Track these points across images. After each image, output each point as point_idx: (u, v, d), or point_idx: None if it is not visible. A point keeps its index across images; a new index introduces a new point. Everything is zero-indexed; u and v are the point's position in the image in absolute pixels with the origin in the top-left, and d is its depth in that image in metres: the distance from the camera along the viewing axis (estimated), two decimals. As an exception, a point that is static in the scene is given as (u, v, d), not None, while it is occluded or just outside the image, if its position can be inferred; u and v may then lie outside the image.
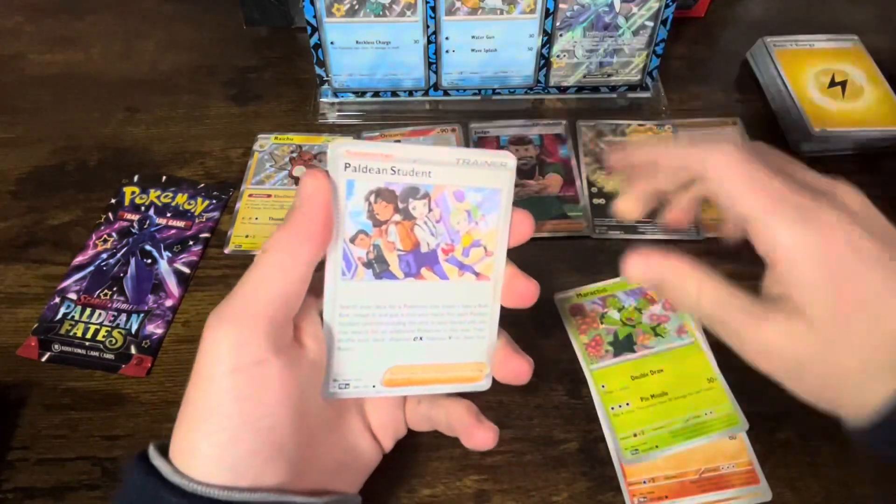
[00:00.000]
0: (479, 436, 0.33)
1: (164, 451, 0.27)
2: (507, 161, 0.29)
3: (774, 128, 0.56)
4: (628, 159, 0.34)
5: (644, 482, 0.38)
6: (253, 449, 0.26)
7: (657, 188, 0.33)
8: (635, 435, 0.39)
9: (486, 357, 0.32)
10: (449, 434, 0.34)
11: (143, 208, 0.51)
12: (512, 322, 0.44)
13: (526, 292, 0.32)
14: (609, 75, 0.57)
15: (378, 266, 0.29)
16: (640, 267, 0.31)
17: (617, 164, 0.35)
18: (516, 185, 0.51)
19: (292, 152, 0.54)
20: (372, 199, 0.28)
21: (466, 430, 0.33)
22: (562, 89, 0.57)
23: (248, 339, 0.26)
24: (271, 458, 0.27)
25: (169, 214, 0.50)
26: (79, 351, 0.43)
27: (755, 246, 0.30)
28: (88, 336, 0.44)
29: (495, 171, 0.29)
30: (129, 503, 0.27)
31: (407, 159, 0.28)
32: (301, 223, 0.27)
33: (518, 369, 0.32)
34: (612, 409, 0.40)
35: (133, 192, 0.52)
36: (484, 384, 0.33)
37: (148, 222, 0.50)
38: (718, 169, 0.29)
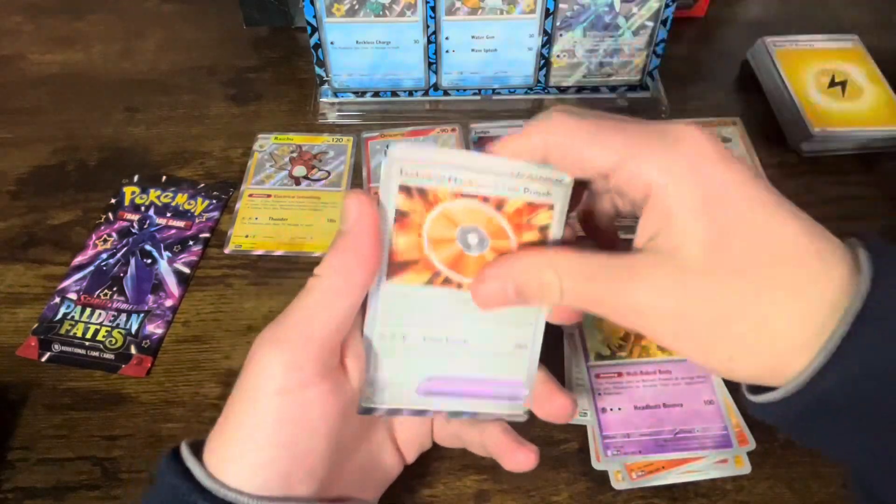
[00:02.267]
0: (521, 458, 0.32)
1: (196, 449, 0.27)
2: (563, 178, 0.28)
3: (774, 128, 0.56)
4: None
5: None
6: (287, 471, 0.27)
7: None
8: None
9: (527, 381, 0.31)
10: (481, 454, 0.34)
11: (143, 208, 0.51)
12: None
13: (561, 410, 0.31)
14: (609, 75, 0.57)
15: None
16: (493, 284, 0.28)
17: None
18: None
19: (292, 152, 0.54)
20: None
21: (506, 452, 0.32)
22: (562, 89, 0.57)
23: (299, 362, 0.26)
24: (303, 479, 0.27)
25: (169, 214, 0.50)
26: (79, 351, 0.43)
27: (621, 202, 0.27)
28: (88, 336, 0.44)
29: (551, 186, 0.28)
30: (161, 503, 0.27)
31: (461, 167, 0.27)
32: (353, 247, 0.27)
33: (562, 407, 0.31)
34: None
35: (133, 192, 0.52)
36: (522, 414, 0.32)
37: (148, 222, 0.50)
38: (559, 135, 0.26)
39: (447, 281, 0.29)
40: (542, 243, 0.29)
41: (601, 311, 0.26)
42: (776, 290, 0.24)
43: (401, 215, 0.28)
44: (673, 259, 0.24)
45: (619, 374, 0.42)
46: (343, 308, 0.27)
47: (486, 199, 0.28)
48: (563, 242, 0.29)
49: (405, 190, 0.27)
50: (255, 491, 0.26)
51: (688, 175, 0.24)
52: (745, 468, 0.39)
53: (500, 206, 0.28)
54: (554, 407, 0.31)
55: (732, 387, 0.41)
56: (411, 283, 0.29)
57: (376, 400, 0.30)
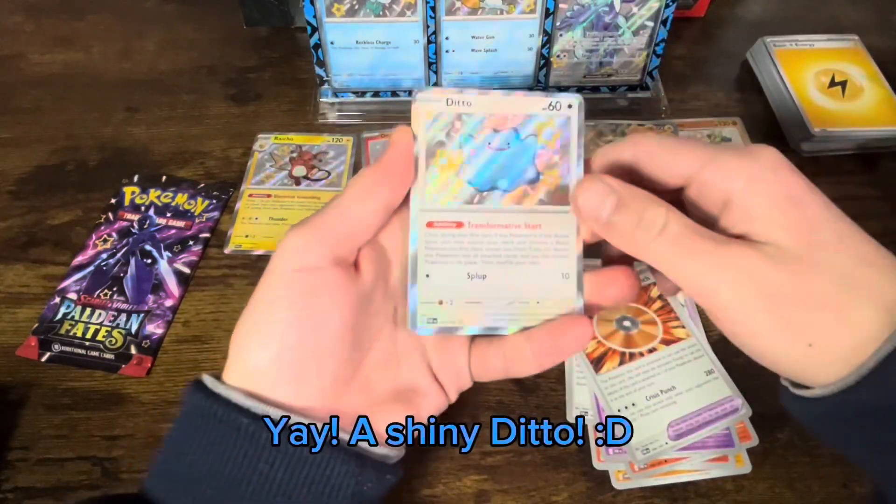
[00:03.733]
0: (580, 330, 0.29)
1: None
2: (573, 100, 0.30)
3: (774, 128, 0.56)
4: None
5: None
6: (298, 343, 0.28)
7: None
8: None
9: (575, 281, 0.30)
10: (525, 374, 0.31)
11: (143, 208, 0.51)
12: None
13: (623, 292, 0.30)
14: (609, 75, 0.57)
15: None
16: (595, 193, 0.28)
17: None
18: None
19: (292, 152, 0.54)
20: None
21: (560, 333, 0.30)
22: (562, 89, 0.57)
23: (313, 245, 0.29)
24: (314, 356, 0.28)
25: (169, 214, 0.50)
26: (79, 351, 0.43)
27: (700, 204, 0.28)
28: (88, 336, 0.44)
29: (560, 111, 0.30)
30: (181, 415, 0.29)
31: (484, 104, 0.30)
32: (385, 164, 0.29)
33: (622, 282, 0.30)
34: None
35: (133, 192, 0.52)
36: (577, 305, 0.30)
37: (148, 222, 0.50)
38: (647, 146, 0.28)
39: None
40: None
41: (682, 273, 0.26)
42: (861, 287, 0.25)
43: (439, 144, 0.30)
44: (764, 248, 0.25)
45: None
46: (361, 212, 0.29)
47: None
48: None
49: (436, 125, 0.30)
50: (268, 370, 0.28)
51: (769, 176, 0.26)
52: (746, 467, 0.39)
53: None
54: (616, 283, 0.30)
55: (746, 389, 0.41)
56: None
57: (426, 321, 0.30)
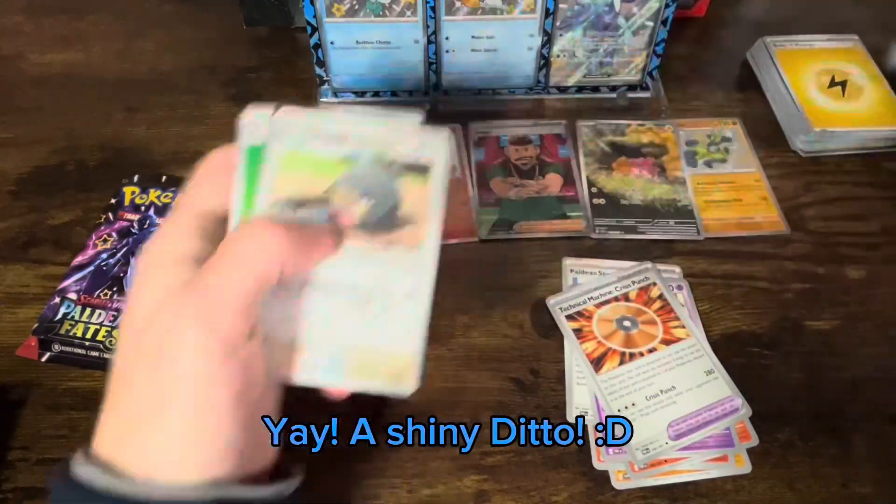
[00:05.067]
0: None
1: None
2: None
3: (774, 128, 0.56)
4: None
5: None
6: None
7: None
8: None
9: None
10: None
11: (143, 208, 0.51)
12: (512, 322, 0.45)
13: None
14: (609, 75, 0.57)
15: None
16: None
17: None
18: (517, 185, 0.51)
19: (292, 152, 0.54)
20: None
21: None
22: (562, 89, 0.57)
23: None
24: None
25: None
26: (79, 351, 0.43)
27: None
28: (88, 336, 0.44)
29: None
30: None
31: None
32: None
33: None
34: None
35: (133, 192, 0.52)
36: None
37: (148, 222, 0.50)
38: None
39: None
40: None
41: None
42: None
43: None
44: None
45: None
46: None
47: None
48: None
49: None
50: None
51: None
52: (746, 467, 0.39)
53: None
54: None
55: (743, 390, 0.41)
56: None
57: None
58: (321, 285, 0.29)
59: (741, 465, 0.39)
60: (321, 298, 0.29)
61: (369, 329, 0.29)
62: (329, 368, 0.29)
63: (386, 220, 0.29)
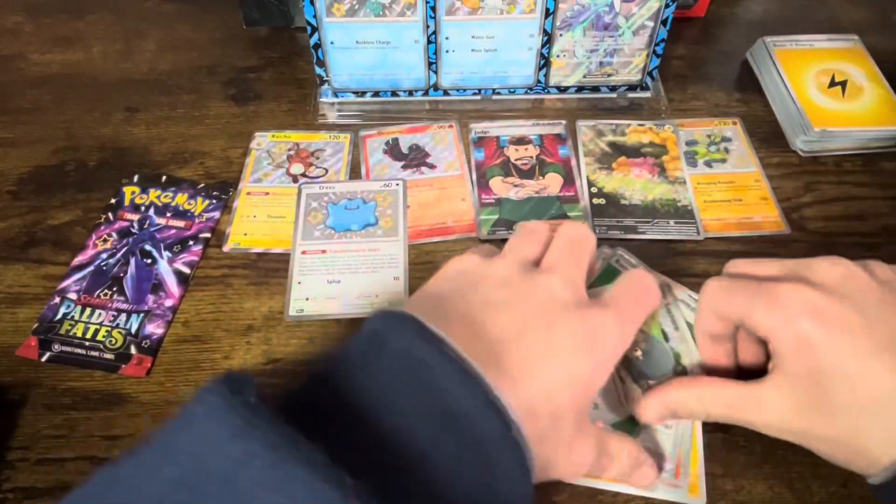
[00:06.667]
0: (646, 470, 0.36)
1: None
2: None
3: (774, 128, 0.56)
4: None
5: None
6: None
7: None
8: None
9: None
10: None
11: (143, 208, 0.51)
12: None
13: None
14: (609, 75, 0.57)
15: None
16: (655, 409, 0.36)
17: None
18: (517, 185, 0.51)
19: (290, 150, 0.54)
20: None
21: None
22: (562, 89, 0.57)
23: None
24: None
25: (169, 214, 0.50)
26: (79, 351, 0.43)
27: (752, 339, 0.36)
28: (88, 336, 0.44)
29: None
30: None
31: None
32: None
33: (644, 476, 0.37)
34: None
35: (133, 192, 0.52)
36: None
37: (148, 222, 0.50)
38: (705, 302, 0.36)
39: None
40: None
41: (736, 423, 0.35)
42: (876, 437, 0.31)
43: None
44: (788, 390, 0.33)
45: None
46: None
47: None
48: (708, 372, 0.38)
49: None
50: None
51: (789, 328, 0.32)
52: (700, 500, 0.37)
53: None
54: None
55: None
56: None
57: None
58: None
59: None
60: None
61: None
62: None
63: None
